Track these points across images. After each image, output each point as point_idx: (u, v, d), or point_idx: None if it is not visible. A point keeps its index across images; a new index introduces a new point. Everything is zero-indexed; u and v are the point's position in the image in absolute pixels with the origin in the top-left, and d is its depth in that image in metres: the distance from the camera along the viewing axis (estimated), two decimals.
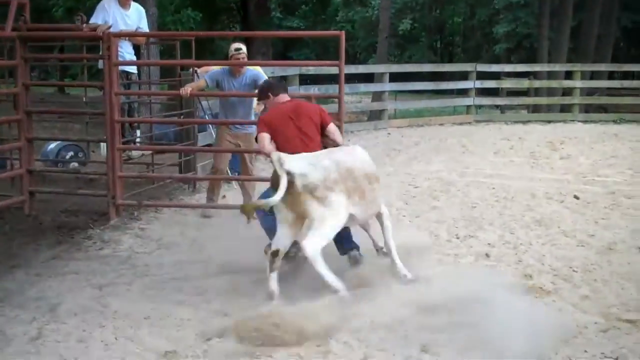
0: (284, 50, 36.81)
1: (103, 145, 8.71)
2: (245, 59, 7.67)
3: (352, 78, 20.32)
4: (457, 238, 7.05)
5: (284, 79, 13.23)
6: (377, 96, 18.46)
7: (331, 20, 35.84)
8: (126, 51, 7.87)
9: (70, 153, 9.98)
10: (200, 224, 7.60)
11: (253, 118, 7.79)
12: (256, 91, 7.40)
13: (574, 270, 6.04)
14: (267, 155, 5.49)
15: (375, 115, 18.03)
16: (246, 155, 7.89)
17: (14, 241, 6.79)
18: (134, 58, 8.25)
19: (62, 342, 4.52)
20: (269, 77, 8.71)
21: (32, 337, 4.56)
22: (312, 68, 14.83)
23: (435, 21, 43.83)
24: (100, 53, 7.48)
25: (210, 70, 8.09)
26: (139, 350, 4.41)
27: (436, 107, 20.07)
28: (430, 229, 7.38)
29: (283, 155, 5.13)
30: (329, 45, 41.45)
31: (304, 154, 5.32)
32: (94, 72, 10.47)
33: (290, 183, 5.02)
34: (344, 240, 5.67)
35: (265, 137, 5.60)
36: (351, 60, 42.62)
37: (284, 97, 5.92)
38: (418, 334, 4.58)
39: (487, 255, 6.48)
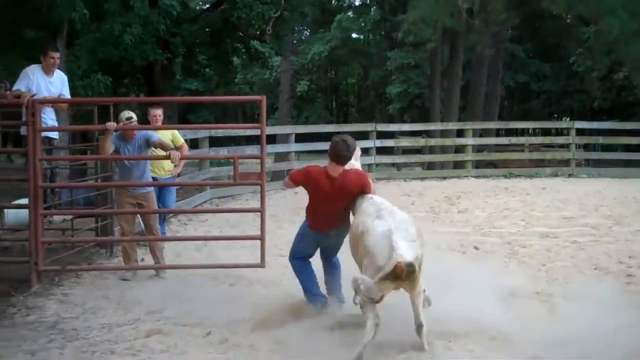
0: (185, 113, 37.04)
1: (7, 212, 8.76)
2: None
3: (253, 139, 20.82)
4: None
5: (195, 141, 13.59)
6: (281, 156, 18.99)
7: (230, 82, 36.48)
8: (49, 117, 8.02)
9: None
10: (123, 286, 7.75)
11: (150, 179, 8.38)
12: (149, 151, 7.84)
13: (481, 315, 6.54)
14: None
15: (278, 176, 18.52)
16: (149, 215, 8.18)
17: None
18: (56, 124, 8.39)
19: None
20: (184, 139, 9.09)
21: None
22: (221, 131, 15.20)
23: (330, 82, 45.28)
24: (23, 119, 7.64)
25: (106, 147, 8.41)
26: None
27: None
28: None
29: (397, 250, 5.40)
30: (227, 108, 42.04)
31: (396, 229, 5.60)
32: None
33: (411, 272, 5.45)
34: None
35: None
36: (249, 121, 43.33)
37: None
38: None
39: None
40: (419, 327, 5.66)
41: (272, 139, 19.16)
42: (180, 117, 33.65)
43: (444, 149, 19.86)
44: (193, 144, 14.25)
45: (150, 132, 8.11)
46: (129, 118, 7.92)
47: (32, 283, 7.42)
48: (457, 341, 5.90)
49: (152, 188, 8.36)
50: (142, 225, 8.56)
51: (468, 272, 8.12)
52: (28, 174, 7.40)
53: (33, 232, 7.37)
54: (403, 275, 5.37)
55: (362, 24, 39.43)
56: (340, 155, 6.47)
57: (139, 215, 8.55)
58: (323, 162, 18.75)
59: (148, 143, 7.97)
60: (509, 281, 7.72)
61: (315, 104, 43.22)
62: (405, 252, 5.38)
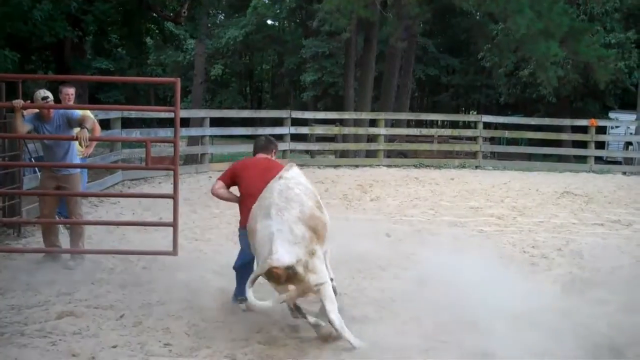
0: (95, 92, 36.04)
1: None
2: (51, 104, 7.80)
3: (165, 122, 20.50)
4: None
5: (106, 121, 13.28)
6: (195, 140, 18.80)
7: (143, 63, 35.76)
8: None
9: None
10: (32, 268, 7.53)
11: (76, 160, 8.02)
12: (73, 131, 7.62)
13: (393, 300, 6.77)
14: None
15: (191, 159, 18.33)
16: (70, 198, 7.93)
17: None
18: None
19: None
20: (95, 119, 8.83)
21: None
22: (134, 112, 14.93)
23: (245, 67, 45.00)
24: None
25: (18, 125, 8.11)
26: None
27: (250, 152, 20.70)
28: None
29: (274, 255, 5.29)
30: (139, 88, 41.15)
31: (276, 233, 5.40)
32: None
33: (294, 274, 5.37)
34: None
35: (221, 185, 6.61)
36: (161, 103, 42.58)
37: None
38: None
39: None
40: (331, 324, 5.53)
41: (185, 122, 18.96)
42: (90, 96, 32.66)
43: (357, 138, 20.11)
44: (105, 124, 13.90)
45: (71, 111, 7.82)
46: (45, 98, 7.66)
47: None
48: (370, 325, 6.03)
49: (77, 170, 8.02)
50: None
51: (380, 258, 8.34)
52: None
53: None
54: (282, 279, 5.38)
55: (278, 11, 39.35)
56: (264, 145, 6.88)
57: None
58: (237, 147, 18.69)
59: (69, 122, 7.66)
60: (419, 268, 7.94)
61: (229, 89, 42.86)
62: (283, 257, 5.31)
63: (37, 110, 7.74)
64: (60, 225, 8.90)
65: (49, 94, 7.72)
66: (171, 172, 14.43)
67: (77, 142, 8.07)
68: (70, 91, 8.66)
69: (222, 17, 43.24)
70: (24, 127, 7.55)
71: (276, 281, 5.43)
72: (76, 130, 7.57)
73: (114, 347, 5.45)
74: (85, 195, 8.08)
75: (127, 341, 5.59)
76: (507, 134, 21.77)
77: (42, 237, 8.04)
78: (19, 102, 7.37)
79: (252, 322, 6.00)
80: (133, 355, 5.29)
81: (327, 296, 5.55)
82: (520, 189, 14.76)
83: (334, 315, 5.50)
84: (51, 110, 7.67)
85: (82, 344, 5.44)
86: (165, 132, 15.29)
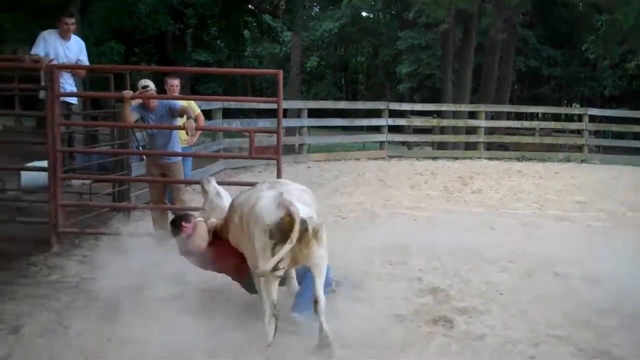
0: (194, 84, 36.91)
1: (23, 174, 8.72)
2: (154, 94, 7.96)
3: (262, 112, 20.71)
4: (390, 264, 7.49)
5: (208, 112, 13.53)
6: (291, 131, 18.93)
7: (240, 55, 36.37)
8: (67, 82, 7.96)
9: None
10: (142, 250, 7.69)
11: (178, 148, 8.21)
12: (177, 121, 7.76)
13: (500, 293, 6.59)
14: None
15: (289, 149, 18.45)
16: (174, 185, 8.13)
17: None
18: (74, 89, 8.34)
19: None
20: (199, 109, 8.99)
21: (2, 357, 4.64)
22: (233, 103, 15.16)
23: (340, 59, 45.06)
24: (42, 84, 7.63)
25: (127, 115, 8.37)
26: None
27: (347, 143, 20.70)
28: (363, 256, 7.79)
29: (289, 202, 4.83)
30: (236, 80, 41.89)
31: (287, 192, 5.01)
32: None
33: (305, 230, 4.83)
34: None
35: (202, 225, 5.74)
36: (258, 94, 43.18)
37: None
38: None
39: (419, 280, 6.93)
40: (314, 301, 5.05)
41: (282, 113, 19.05)
42: (189, 87, 33.53)
43: (455, 130, 19.78)
44: (207, 114, 14.19)
45: (173, 101, 8.01)
46: (145, 87, 7.86)
47: (52, 244, 7.44)
48: (479, 317, 5.88)
49: (178, 158, 8.23)
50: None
51: (485, 251, 8.14)
52: (47, 138, 7.38)
53: (52, 195, 7.36)
54: (294, 230, 4.70)
55: (373, 3, 39.20)
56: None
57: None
58: (333, 138, 18.70)
59: (172, 112, 7.88)
60: (526, 262, 7.71)
61: (324, 81, 43.06)
62: (302, 208, 4.80)
63: (141, 101, 7.94)
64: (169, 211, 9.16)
65: (149, 83, 7.91)
66: (271, 162, 14.71)
67: (179, 132, 8.26)
68: (175, 82, 8.83)
69: (318, 10, 43.45)
70: (132, 116, 7.77)
71: (286, 236, 4.75)
72: (182, 120, 7.75)
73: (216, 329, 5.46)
74: (188, 183, 8.19)
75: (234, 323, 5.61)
76: (614, 127, 20.91)
77: (152, 221, 8.27)
78: (128, 93, 7.62)
79: None
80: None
81: (322, 272, 5.13)
82: (629, 183, 14.15)
83: (322, 293, 5.08)
84: (156, 101, 7.86)
85: (194, 324, 5.51)
86: (264, 123, 15.46)
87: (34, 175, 8.89)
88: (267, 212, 4.89)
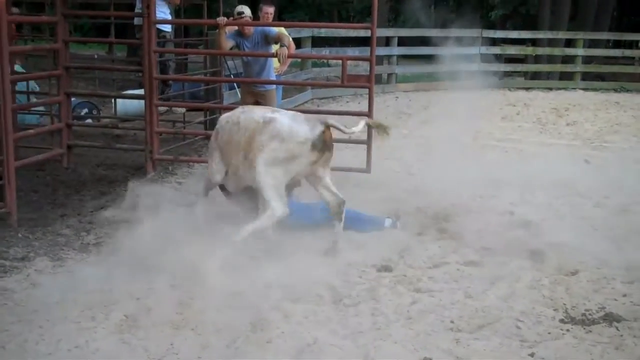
0: (280, 12, 36.69)
1: (118, 101, 8.94)
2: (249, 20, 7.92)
3: (349, 41, 20.40)
4: (480, 198, 7.38)
5: (297, 40, 13.46)
6: (379, 60, 18.64)
7: None
8: (160, 10, 8.04)
9: (85, 110, 10.17)
10: None
11: (272, 76, 8.19)
12: (271, 48, 7.75)
13: (594, 229, 6.42)
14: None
15: (377, 79, 18.21)
16: None
17: (58, 192, 7.06)
18: (168, 17, 8.42)
19: None
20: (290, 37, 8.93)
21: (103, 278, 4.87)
22: (323, 30, 15.01)
23: None
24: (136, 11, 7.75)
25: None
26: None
27: (435, 72, 20.25)
28: (453, 188, 7.71)
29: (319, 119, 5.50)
30: (323, 8, 41.39)
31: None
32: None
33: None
34: None
35: None
36: (344, 22, 42.56)
37: None
38: None
39: (510, 213, 6.82)
40: (341, 204, 5.68)
41: (364, 42, 18.71)
42: (276, 15, 33.31)
43: (550, 59, 19.03)
44: (296, 42, 14.13)
45: (269, 28, 7.98)
46: (240, 13, 7.85)
47: (147, 170, 7.66)
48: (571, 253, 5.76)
49: (273, 86, 8.28)
50: None
51: (578, 184, 7.90)
52: (143, 66, 7.52)
53: (148, 122, 7.54)
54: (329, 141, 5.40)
55: None
56: None
57: None
58: (424, 68, 18.25)
59: (267, 39, 7.86)
60: (622, 197, 7.45)
61: (413, 8, 42.01)
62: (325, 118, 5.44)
63: (237, 28, 7.95)
64: None
65: (244, 9, 7.88)
66: (358, 92, 14.66)
67: (274, 59, 8.27)
68: (270, 10, 8.78)
69: None
70: (227, 43, 7.81)
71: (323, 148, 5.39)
72: (275, 47, 7.73)
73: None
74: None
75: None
76: None
77: None
78: (222, 20, 7.62)
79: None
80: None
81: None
82: None
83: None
84: (251, 28, 7.85)
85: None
86: (353, 52, 15.30)
87: (128, 103, 9.14)
88: (299, 129, 5.34)
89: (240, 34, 7.92)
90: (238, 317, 4.29)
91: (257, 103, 8.14)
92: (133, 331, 4.03)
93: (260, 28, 7.94)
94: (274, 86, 8.36)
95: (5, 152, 5.55)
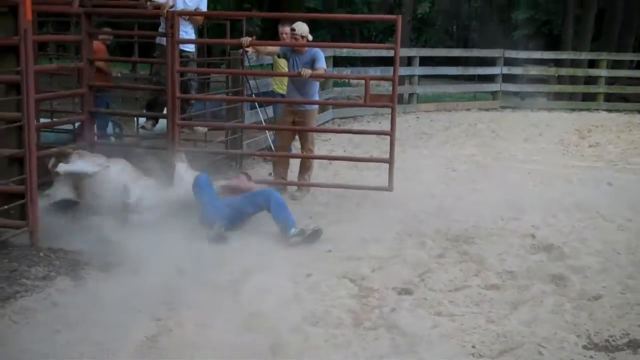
0: None
1: (139, 120, 8.99)
2: (299, 39, 7.98)
3: (370, 61, 20.45)
4: (502, 220, 7.33)
5: None
6: (401, 80, 18.63)
7: (350, 2, 35.96)
8: (182, 30, 8.08)
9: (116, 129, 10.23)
10: None
11: (316, 97, 8.41)
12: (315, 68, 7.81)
13: (618, 253, 6.34)
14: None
15: (398, 99, 18.18)
16: (303, 133, 8.23)
17: (80, 210, 7.07)
18: (192, 37, 8.47)
19: None
20: None
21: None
22: (345, 50, 15.08)
23: (452, 5, 43.82)
24: (159, 30, 7.82)
25: (262, 49, 8.50)
26: None
27: (456, 93, 20.20)
28: (474, 210, 7.67)
29: None
30: (345, 28, 41.58)
31: None
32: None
33: None
34: None
35: None
36: (366, 42, 42.68)
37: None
38: None
39: (532, 236, 6.76)
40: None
41: (390, 61, 18.70)
42: None
43: (573, 80, 18.93)
44: None
45: (321, 55, 8.00)
46: (292, 30, 8.01)
47: None
48: (595, 277, 5.69)
49: (315, 107, 8.36)
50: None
51: (602, 207, 7.83)
52: (166, 85, 7.57)
53: (170, 140, 7.58)
54: None
55: None
56: None
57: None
58: (444, 88, 18.17)
59: (313, 62, 7.91)
60: None
61: (435, 27, 42.06)
62: None
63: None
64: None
65: (297, 26, 8.00)
66: (379, 113, 14.67)
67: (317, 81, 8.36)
68: (286, 30, 8.80)
69: None
70: (273, 49, 8.33)
71: None
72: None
73: (309, 275, 5.53)
74: (307, 131, 8.27)
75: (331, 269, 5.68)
76: None
77: (273, 168, 8.48)
78: (246, 40, 7.73)
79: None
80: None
81: None
82: None
83: None
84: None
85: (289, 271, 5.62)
86: (374, 72, 15.32)
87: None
88: None
89: (295, 50, 8.01)
90: (257, 339, 4.28)
91: (294, 123, 8.20)
92: (154, 352, 4.03)
93: (313, 50, 8.03)
94: (316, 107, 8.45)
95: (28, 171, 5.59)
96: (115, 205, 6.43)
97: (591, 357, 4.21)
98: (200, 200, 6.56)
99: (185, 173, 6.91)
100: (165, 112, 8.07)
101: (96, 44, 9.76)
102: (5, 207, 5.55)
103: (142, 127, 8.56)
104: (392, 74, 7.71)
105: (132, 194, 6.45)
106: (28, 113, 5.57)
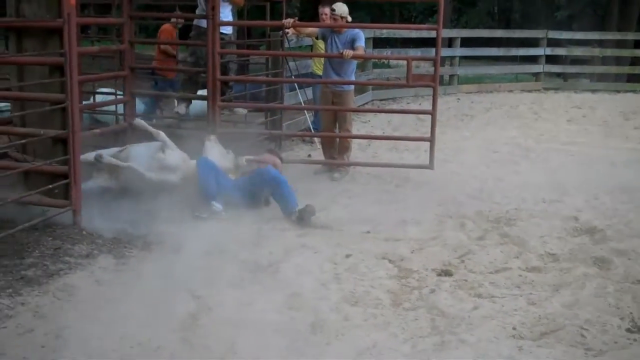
0: None
1: (177, 102, 9.04)
2: (338, 19, 7.94)
3: (409, 42, 20.16)
4: (544, 202, 7.24)
5: None
6: (442, 61, 18.43)
7: None
8: (222, 12, 8.08)
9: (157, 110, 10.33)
10: (302, 179, 7.79)
11: (353, 78, 8.34)
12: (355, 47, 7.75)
13: None
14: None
15: (439, 80, 18.02)
16: (341, 113, 8.21)
17: (122, 190, 7.16)
18: (230, 19, 8.48)
19: None
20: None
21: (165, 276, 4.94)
22: (385, 31, 14.96)
23: None
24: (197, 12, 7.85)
25: (302, 31, 8.46)
26: None
27: (497, 74, 19.91)
28: (516, 192, 7.59)
29: None
30: (385, 9, 41.25)
31: None
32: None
33: None
34: None
35: None
36: (405, 22, 42.31)
37: None
38: None
39: (575, 218, 6.66)
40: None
41: (430, 42, 18.45)
42: None
43: (618, 61, 18.55)
44: None
45: (360, 35, 7.95)
46: (332, 10, 7.96)
47: None
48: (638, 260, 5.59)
49: (351, 87, 8.32)
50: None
51: None
52: (207, 67, 7.60)
53: (211, 122, 7.62)
54: None
55: None
56: None
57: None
58: (484, 69, 17.90)
59: (353, 42, 7.87)
60: None
61: (476, 8, 41.45)
62: None
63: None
64: (316, 139, 9.33)
65: (337, 6, 7.97)
66: (419, 94, 14.58)
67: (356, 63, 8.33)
68: (326, 11, 8.77)
69: None
70: (312, 30, 8.24)
71: None
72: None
73: (348, 255, 5.49)
74: (347, 110, 8.26)
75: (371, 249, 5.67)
76: None
77: (322, 149, 8.49)
78: (288, 21, 7.76)
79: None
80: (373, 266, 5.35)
81: None
82: None
83: None
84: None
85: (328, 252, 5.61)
86: (415, 52, 15.19)
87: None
88: None
89: (333, 30, 8.00)
90: (298, 318, 4.30)
91: (334, 103, 8.20)
92: (195, 330, 4.07)
93: (353, 31, 7.98)
94: (352, 87, 8.40)
95: (72, 151, 5.67)
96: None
97: (635, 340, 4.13)
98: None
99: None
100: (199, 93, 8.11)
101: (166, 25, 9.89)
102: (50, 186, 5.63)
103: (177, 112, 8.59)
104: (432, 54, 7.63)
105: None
106: (72, 94, 5.63)
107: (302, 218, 6.26)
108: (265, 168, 6.63)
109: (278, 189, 6.49)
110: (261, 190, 6.58)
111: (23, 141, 5.87)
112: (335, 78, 8.11)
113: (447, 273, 5.20)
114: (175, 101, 9.20)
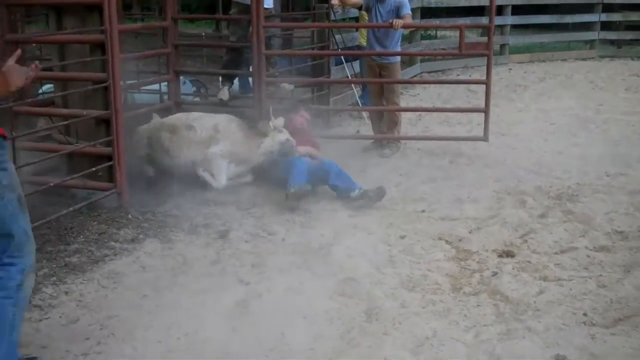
0: None
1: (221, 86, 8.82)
2: None
3: (453, 12, 19.53)
4: (607, 176, 6.86)
5: None
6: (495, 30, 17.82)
7: None
8: None
9: (193, 88, 10.15)
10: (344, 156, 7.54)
11: (398, 49, 7.98)
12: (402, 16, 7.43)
13: None
14: None
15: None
16: (387, 86, 7.89)
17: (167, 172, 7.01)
18: None
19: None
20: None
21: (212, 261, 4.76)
22: (433, 0, 14.50)
23: None
24: None
25: (347, 1, 8.12)
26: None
27: (549, 43, 19.16)
28: (577, 166, 7.21)
29: None
30: None
31: None
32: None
33: None
34: None
35: None
36: None
37: None
38: None
39: None
40: None
41: (479, 11, 17.90)
42: None
43: None
44: None
45: (405, 2, 7.55)
46: None
47: None
48: None
49: (397, 59, 7.94)
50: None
51: None
52: (252, 42, 7.36)
53: (257, 98, 7.40)
54: None
55: None
56: None
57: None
58: (537, 37, 17.24)
59: (398, 11, 7.49)
60: None
61: None
62: None
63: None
64: (364, 114, 9.05)
65: None
66: (469, 65, 14.14)
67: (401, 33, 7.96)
68: None
69: None
70: (356, 1, 7.81)
71: None
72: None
73: (403, 237, 5.25)
74: (402, 83, 7.96)
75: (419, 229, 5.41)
76: None
77: (371, 124, 8.24)
78: None
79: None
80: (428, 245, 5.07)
81: None
82: None
83: None
84: None
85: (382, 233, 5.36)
86: (465, 21, 14.70)
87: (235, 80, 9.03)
88: None
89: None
90: (351, 305, 4.07)
91: (380, 76, 7.89)
92: (244, 318, 3.87)
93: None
94: (398, 59, 8.05)
95: (115, 132, 5.51)
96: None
97: None
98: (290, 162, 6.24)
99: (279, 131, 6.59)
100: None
101: None
102: (93, 169, 5.49)
103: (220, 99, 8.25)
104: (482, 22, 7.30)
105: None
106: (114, 73, 5.46)
107: (371, 198, 5.94)
108: (329, 162, 6.30)
109: (339, 179, 6.15)
110: (321, 181, 6.25)
111: (65, 122, 5.74)
112: (379, 50, 7.78)
113: (509, 254, 4.91)
114: (220, 84, 8.98)
